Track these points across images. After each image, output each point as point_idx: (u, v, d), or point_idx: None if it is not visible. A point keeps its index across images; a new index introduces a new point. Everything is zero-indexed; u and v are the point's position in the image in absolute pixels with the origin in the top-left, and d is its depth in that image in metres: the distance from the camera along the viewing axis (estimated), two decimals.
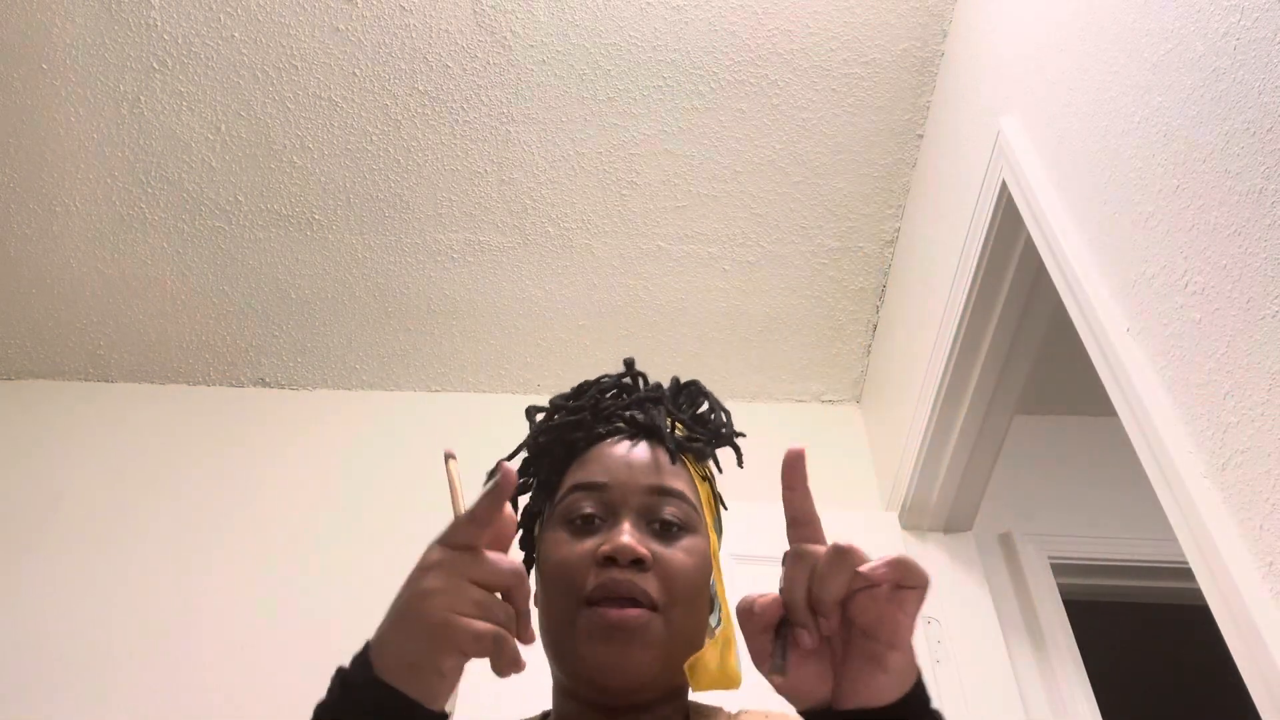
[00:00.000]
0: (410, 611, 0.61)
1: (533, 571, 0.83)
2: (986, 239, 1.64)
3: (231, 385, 2.42)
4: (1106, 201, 1.25)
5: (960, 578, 1.94)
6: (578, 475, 0.84)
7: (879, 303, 2.31)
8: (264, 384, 2.42)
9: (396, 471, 2.22)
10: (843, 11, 1.96)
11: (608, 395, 0.90)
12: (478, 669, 0.62)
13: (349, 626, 2.24)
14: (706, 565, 0.82)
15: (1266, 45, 0.94)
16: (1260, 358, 0.93)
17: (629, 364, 0.92)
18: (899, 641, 0.58)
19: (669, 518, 0.81)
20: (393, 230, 2.21)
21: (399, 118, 2.08)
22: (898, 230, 2.21)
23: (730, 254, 2.24)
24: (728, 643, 0.80)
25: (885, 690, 0.59)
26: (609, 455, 0.84)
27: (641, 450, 0.84)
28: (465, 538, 0.62)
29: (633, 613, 0.75)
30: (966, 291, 1.71)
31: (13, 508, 2.15)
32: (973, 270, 1.68)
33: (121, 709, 1.83)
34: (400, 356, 2.38)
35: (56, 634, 1.94)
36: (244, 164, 2.13)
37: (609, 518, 0.80)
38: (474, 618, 0.60)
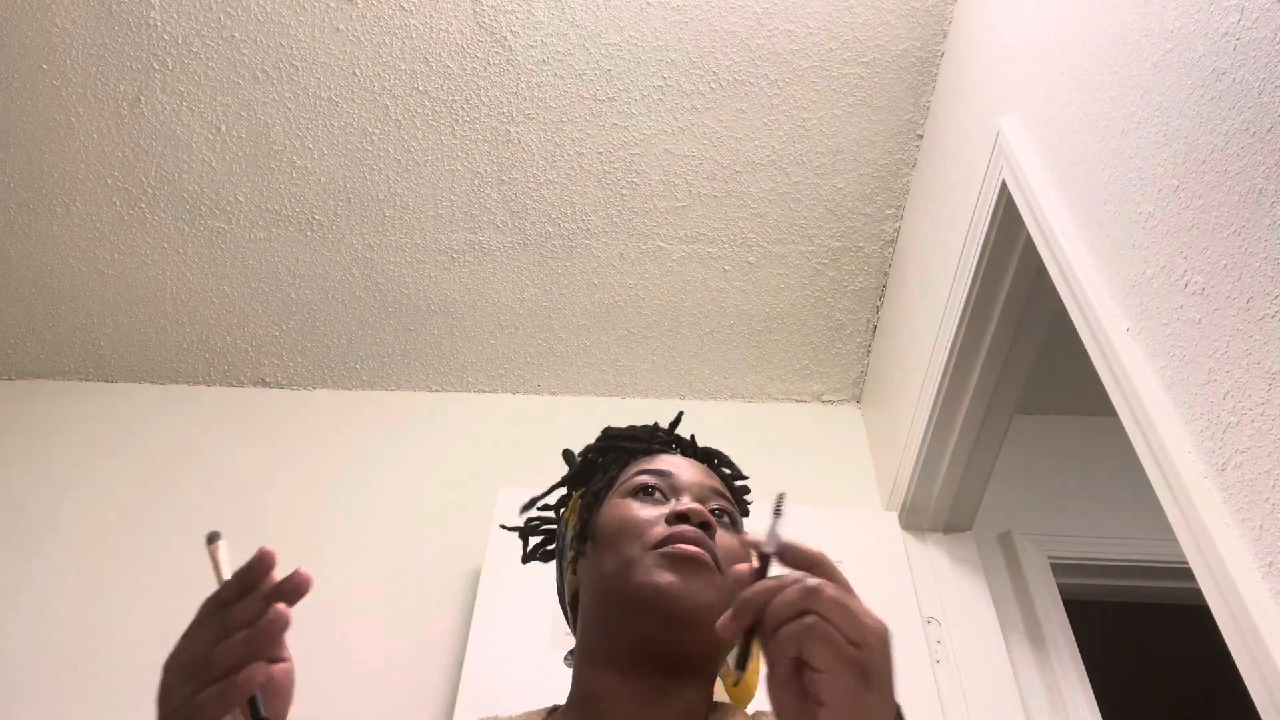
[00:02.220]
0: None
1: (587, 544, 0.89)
2: (986, 239, 1.64)
3: (231, 385, 2.42)
4: (1106, 201, 1.25)
5: (960, 578, 1.94)
6: (643, 465, 0.92)
7: (879, 303, 2.31)
8: (264, 384, 2.42)
9: (397, 471, 2.22)
10: (843, 12, 1.96)
11: (661, 430, 1.01)
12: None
13: (349, 625, 2.24)
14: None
15: (1266, 45, 0.94)
16: (1260, 358, 0.93)
17: (679, 415, 1.05)
18: (832, 701, 0.56)
19: (722, 509, 0.88)
20: (393, 230, 2.21)
21: (399, 118, 2.08)
22: (898, 230, 2.21)
23: (730, 254, 2.24)
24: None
25: None
26: (670, 459, 0.93)
27: (697, 464, 0.94)
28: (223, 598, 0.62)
29: (704, 553, 0.80)
30: (966, 291, 1.70)
31: (13, 508, 2.15)
32: (973, 270, 1.68)
33: (121, 710, 1.82)
34: (400, 356, 2.38)
35: (56, 634, 1.94)
36: (244, 164, 2.13)
37: (672, 497, 0.87)
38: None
